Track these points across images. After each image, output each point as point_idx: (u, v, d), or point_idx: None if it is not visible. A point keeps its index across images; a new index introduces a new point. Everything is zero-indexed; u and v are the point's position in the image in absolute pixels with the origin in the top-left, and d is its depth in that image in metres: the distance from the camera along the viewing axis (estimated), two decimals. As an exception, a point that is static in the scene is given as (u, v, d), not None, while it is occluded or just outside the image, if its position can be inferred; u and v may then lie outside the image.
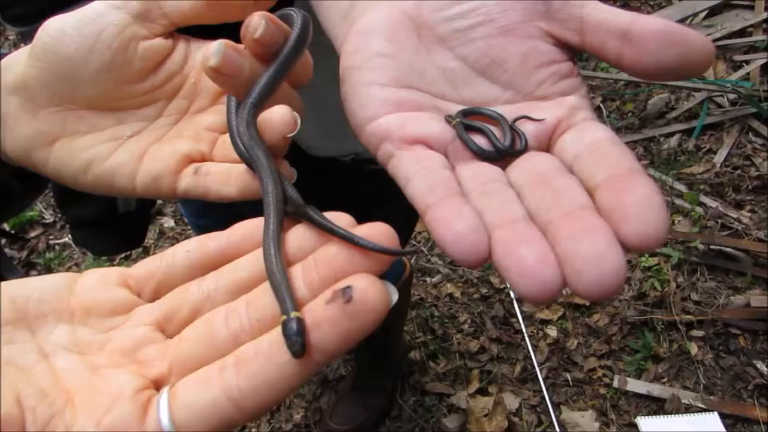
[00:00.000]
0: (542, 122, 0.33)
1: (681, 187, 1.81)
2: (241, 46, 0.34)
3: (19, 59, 0.38)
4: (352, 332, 0.25)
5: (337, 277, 0.26)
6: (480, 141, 0.33)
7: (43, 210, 2.16)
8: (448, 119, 0.34)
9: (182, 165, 0.38)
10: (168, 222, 2.14)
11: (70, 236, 1.98)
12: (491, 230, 0.27)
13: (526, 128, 0.33)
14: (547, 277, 0.25)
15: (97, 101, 0.38)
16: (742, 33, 2.08)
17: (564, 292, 0.24)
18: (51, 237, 2.11)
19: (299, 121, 0.34)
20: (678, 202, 1.78)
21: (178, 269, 0.31)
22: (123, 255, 1.85)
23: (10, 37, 2.41)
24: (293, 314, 0.25)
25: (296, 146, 0.78)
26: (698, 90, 2.01)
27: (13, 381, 0.26)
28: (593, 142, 0.30)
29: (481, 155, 0.33)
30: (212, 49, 0.32)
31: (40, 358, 0.27)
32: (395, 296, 0.26)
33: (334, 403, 1.55)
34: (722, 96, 1.97)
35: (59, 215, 2.08)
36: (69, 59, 0.36)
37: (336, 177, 0.85)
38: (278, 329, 0.26)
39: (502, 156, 0.33)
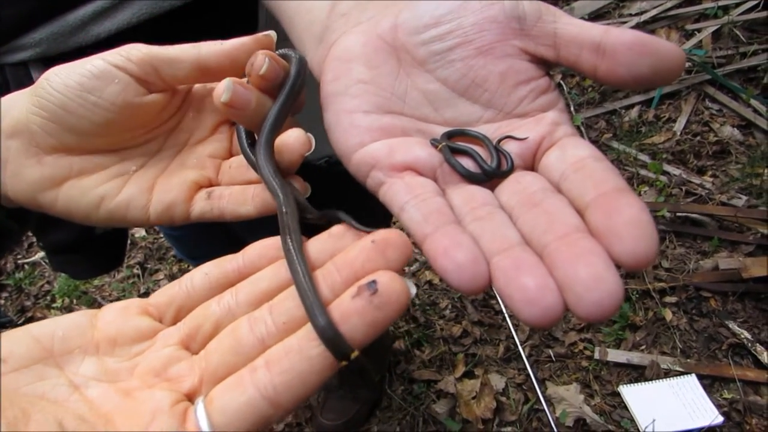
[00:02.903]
0: (525, 141, 0.34)
1: (644, 157, 1.86)
2: (245, 81, 0.36)
3: (15, 103, 0.37)
4: (378, 322, 0.26)
5: (358, 277, 0.27)
6: (467, 163, 0.34)
7: (7, 230, 2.10)
8: (434, 143, 0.35)
9: (193, 192, 0.40)
10: (139, 232, 2.11)
11: (48, 262, 1.93)
12: (489, 257, 0.28)
13: (510, 147, 0.34)
14: (549, 303, 0.25)
15: (101, 147, 0.39)
16: (691, 1, 2.13)
17: None
18: (19, 257, 2.06)
19: (313, 141, 0.36)
20: (643, 172, 1.82)
21: (197, 291, 0.32)
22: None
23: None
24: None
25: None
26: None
27: (53, 412, 0.26)
28: (577, 161, 0.31)
29: (470, 178, 0.33)
30: (222, 87, 0.34)
31: (72, 390, 0.28)
32: (413, 290, 0.27)
33: (324, 399, 1.55)
34: (677, 65, 2.02)
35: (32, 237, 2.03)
36: (73, 114, 0.36)
37: (311, 180, 0.85)
38: (306, 327, 0.27)
39: (490, 178, 0.33)
